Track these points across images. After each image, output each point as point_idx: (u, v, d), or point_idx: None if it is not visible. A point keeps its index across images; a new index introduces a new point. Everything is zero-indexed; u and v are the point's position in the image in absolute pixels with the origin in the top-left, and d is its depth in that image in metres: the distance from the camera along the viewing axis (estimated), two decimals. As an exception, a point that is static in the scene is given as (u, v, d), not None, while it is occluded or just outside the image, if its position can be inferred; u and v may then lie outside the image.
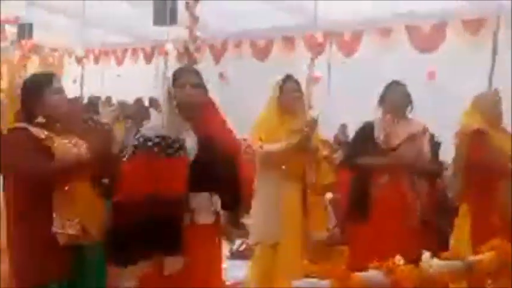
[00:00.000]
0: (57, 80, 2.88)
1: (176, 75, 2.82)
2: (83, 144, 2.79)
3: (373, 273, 2.50)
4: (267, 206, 3.92)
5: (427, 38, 10.47)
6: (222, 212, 2.89)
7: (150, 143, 2.68)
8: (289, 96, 3.97)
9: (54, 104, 2.78)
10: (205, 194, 2.80)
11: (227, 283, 4.56)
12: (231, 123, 2.96)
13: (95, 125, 3.00)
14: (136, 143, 2.73)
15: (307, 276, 2.41)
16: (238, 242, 5.54)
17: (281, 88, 4.00)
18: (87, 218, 2.76)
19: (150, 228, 2.62)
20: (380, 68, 9.89)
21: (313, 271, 2.42)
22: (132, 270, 2.65)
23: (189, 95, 2.76)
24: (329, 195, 4.66)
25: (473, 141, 4.01)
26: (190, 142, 2.76)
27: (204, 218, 2.80)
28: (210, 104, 2.87)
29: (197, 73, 2.85)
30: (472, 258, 2.76)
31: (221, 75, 13.25)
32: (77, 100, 10.20)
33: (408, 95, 4.01)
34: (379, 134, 3.94)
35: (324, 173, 4.05)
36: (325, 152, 4.10)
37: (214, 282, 2.92)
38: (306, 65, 10.62)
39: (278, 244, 3.93)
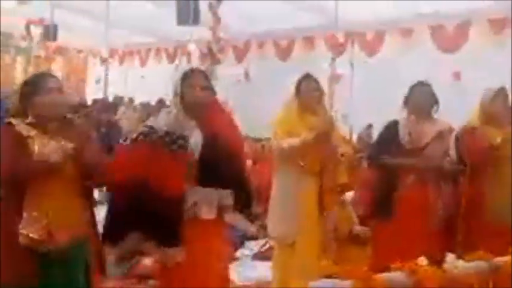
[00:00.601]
0: (54, 80, 2.82)
1: (186, 76, 2.96)
2: (70, 147, 2.70)
3: (395, 274, 2.49)
4: (284, 203, 3.91)
5: (450, 38, 10.37)
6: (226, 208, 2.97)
7: (154, 133, 2.81)
8: (308, 95, 3.96)
9: (44, 104, 2.72)
10: (209, 189, 2.88)
11: (238, 283, 4.56)
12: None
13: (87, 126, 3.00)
14: (141, 130, 2.85)
15: (328, 276, 2.40)
16: (260, 242, 5.54)
17: (299, 87, 3.99)
18: (56, 219, 2.68)
19: (140, 212, 2.73)
20: (402, 68, 9.82)
21: (335, 272, 2.41)
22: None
23: (197, 96, 2.92)
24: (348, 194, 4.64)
25: (464, 138, 3.96)
26: (195, 139, 2.88)
27: (206, 213, 2.87)
28: (216, 104, 3.04)
29: (205, 76, 3.04)
30: (498, 259, 2.73)
31: (246, 75, 13.37)
32: (99, 101, 10.25)
33: (433, 95, 3.96)
34: (403, 135, 3.91)
35: (340, 173, 4.02)
36: (343, 149, 4.02)
37: (215, 279, 2.95)
38: (328, 64, 10.61)
39: (296, 243, 3.92)
